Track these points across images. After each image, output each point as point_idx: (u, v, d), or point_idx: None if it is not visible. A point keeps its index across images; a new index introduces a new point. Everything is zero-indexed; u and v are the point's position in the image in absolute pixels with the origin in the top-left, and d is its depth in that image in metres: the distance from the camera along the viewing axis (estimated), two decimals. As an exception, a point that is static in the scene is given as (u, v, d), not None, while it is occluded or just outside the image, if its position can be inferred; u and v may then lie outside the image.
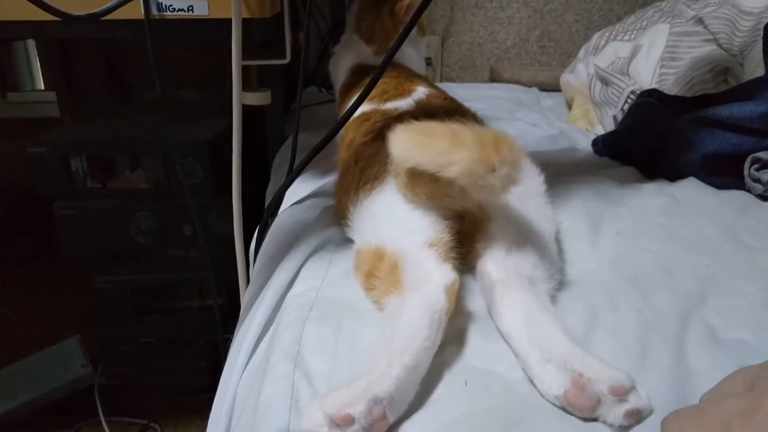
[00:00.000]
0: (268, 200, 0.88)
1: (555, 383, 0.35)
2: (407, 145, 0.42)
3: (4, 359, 1.20)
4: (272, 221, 0.67)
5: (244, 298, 0.58)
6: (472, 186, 0.42)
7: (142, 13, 0.64)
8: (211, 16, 0.65)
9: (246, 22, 0.62)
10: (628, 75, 1.04)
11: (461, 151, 0.40)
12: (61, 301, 1.38)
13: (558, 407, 0.36)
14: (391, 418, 0.35)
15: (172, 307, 1.09)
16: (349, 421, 0.33)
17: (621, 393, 0.33)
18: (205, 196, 0.96)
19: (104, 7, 0.60)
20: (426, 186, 0.45)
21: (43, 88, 1.64)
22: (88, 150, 0.95)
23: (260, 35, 0.75)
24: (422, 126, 0.43)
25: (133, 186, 0.99)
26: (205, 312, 1.09)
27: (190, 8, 0.65)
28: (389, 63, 0.56)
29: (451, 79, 1.63)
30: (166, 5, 0.64)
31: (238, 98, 0.63)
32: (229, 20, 0.60)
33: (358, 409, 0.33)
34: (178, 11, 0.65)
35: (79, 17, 0.56)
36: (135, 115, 1.16)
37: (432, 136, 0.42)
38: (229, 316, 0.98)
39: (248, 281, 0.72)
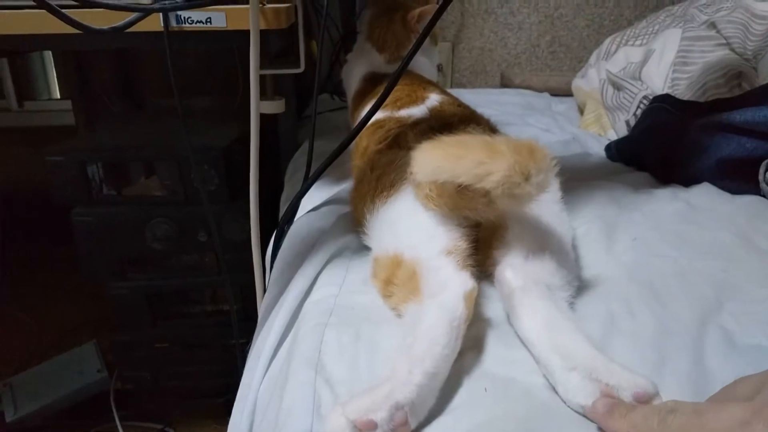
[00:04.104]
0: (282, 207, 0.89)
1: (580, 392, 0.35)
2: (440, 159, 0.42)
3: (21, 364, 1.22)
4: (288, 228, 0.68)
5: (263, 304, 0.59)
6: (506, 195, 0.41)
7: (162, 25, 0.66)
8: (229, 28, 0.67)
9: (263, 34, 0.63)
10: (641, 80, 1.04)
11: (498, 160, 0.40)
12: (77, 307, 1.40)
13: (580, 414, 0.36)
14: (413, 424, 0.35)
15: (186, 312, 1.11)
16: (372, 426, 0.33)
17: (645, 399, 0.33)
18: (219, 202, 0.97)
19: (126, 20, 0.61)
20: (449, 197, 0.45)
21: (59, 96, 1.67)
22: (104, 157, 0.97)
23: (276, 45, 0.76)
24: (453, 139, 0.43)
25: (148, 193, 1.00)
26: (219, 317, 1.10)
27: (209, 20, 0.66)
28: (403, 72, 0.57)
29: (462, 85, 1.63)
30: (185, 18, 0.66)
31: (256, 107, 0.64)
32: (246, 31, 0.61)
33: (380, 415, 0.33)
34: (196, 23, 0.66)
35: (101, 31, 0.57)
36: (149, 123, 1.18)
37: (467, 148, 0.41)
38: (243, 320, 0.99)
39: (264, 287, 0.73)
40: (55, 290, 1.48)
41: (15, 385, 1.15)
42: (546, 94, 1.38)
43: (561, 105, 1.30)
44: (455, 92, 0.81)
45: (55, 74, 1.65)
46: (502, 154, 0.40)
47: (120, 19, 0.63)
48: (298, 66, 0.82)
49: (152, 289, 1.06)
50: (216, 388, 1.13)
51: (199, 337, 1.11)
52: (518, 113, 1.18)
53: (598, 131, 1.08)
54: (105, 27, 0.58)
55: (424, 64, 0.88)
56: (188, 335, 1.11)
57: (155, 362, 1.11)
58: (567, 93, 1.33)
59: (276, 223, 0.71)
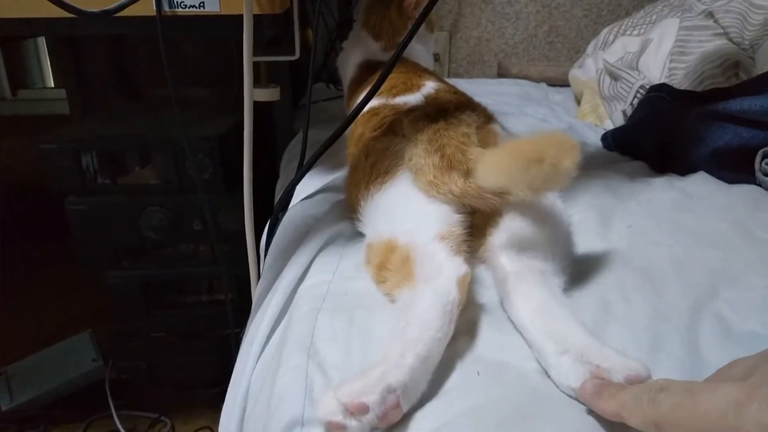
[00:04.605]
0: (277, 196, 0.89)
1: (571, 374, 0.35)
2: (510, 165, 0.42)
3: (17, 353, 1.21)
4: (283, 216, 0.67)
5: (256, 291, 0.59)
6: (540, 189, 0.42)
7: (154, 9, 0.65)
8: (223, 12, 0.66)
9: (257, 18, 0.62)
10: (638, 70, 1.03)
11: (567, 159, 0.40)
12: (72, 296, 1.40)
13: (572, 398, 0.36)
14: (405, 407, 0.35)
15: (182, 301, 1.11)
16: (364, 409, 0.33)
17: (637, 382, 0.33)
18: (215, 191, 0.97)
19: (117, 3, 0.60)
20: (455, 185, 0.45)
21: (53, 85, 1.66)
22: (99, 146, 0.96)
23: (270, 31, 0.75)
24: (522, 143, 0.42)
25: (143, 182, 1.00)
26: (214, 306, 1.10)
27: (202, 4, 0.65)
28: (398, 59, 0.56)
29: (459, 75, 1.63)
30: (177, 2, 0.65)
31: (249, 94, 0.63)
32: (240, 16, 0.60)
33: (372, 398, 0.33)
34: (189, 7, 0.65)
35: (92, 14, 0.56)
36: (144, 112, 1.17)
37: (539, 149, 0.41)
38: (238, 310, 0.99)
39: (259, 276, 0.73)
40: (50, 280, 1.47)
41: (10, 374, 1.15)
42: (543, 84, 1.38)
43: (558, 95, 1.29)
44: (452, 82, 0.80)
45: (49, 62, 1.64)
46: (572, 151, 0.40)
47: (113, 2, 0.62)
48: (293, 53, 0.81)
49: (147, 278, 1.06)
50: (211, 377, 1.13)
51: (195, 327, 1.11)
52: (515, 103, 1.18)
53: (595, 121, 1.08)
54: (96, 10, 0.57)
55: (420, 51, 0.87)
56: (184, 325, 1.11)
57: (151, 352, 1.11)
58: (564, 83, 1.33)
59: (271, 212, 0.71)
